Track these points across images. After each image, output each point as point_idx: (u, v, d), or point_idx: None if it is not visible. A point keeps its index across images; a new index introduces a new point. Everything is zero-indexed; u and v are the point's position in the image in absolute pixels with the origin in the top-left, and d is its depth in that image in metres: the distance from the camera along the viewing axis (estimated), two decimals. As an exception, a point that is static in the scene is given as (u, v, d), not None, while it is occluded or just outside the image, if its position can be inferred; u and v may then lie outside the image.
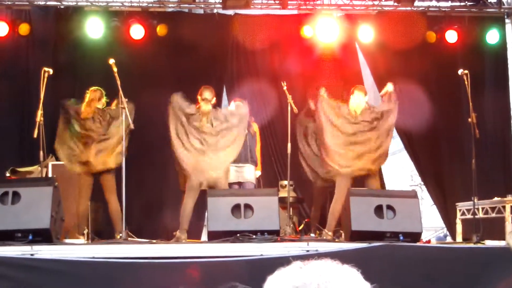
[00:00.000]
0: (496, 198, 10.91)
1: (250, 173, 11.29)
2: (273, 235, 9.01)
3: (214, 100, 10.42)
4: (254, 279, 7.87)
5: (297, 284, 1.73)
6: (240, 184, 11.26)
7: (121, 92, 9.75)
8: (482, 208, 10.80)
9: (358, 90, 10.61)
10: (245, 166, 11.24)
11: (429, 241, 10.90)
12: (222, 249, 8.58)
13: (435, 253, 8.91)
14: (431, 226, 19.47)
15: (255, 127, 11.42)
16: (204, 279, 7.91)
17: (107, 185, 10.38)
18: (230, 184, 11.19)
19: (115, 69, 9.78)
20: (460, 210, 11.47)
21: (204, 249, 8.73)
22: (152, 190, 13.11)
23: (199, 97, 10.32)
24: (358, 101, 10.48)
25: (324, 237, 10.19)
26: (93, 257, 8.16)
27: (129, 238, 9.53)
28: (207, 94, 10.31)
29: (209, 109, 10.22)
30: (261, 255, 8.30)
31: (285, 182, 11.70)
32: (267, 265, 7.98)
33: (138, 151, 11.71)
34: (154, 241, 9.88)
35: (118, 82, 9.75)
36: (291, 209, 11.22)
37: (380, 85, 14.00)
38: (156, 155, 12.86)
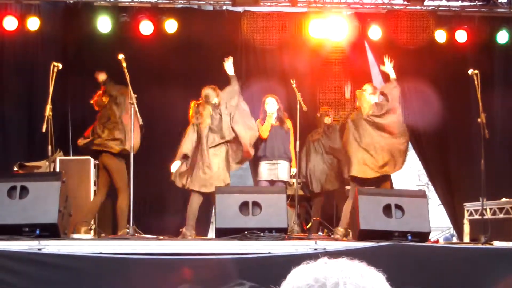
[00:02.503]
0: (504, 199, 10.89)
1: (284, 171, 11.20)
2: (281, 233, 8.99)
3: (216, 100, 10.48)
4: (261, 277, 7.87)
5: (318, 276, 1.76)
6: (272, 182, 11.19)
7: (130, 87, 9.75)
8: (490, 209, 10.77)
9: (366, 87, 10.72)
10: (279, 163, 11.14)
11: (437, 241, 10.87)
12: (230, 246, 8.56)
13: (443, 253, 8.89)
14: (438, 226, 19.46)
15: (289, 124, 11.38)
16: (211, 276, 7.90)
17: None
18: (261, 181, 11.16)
19: (124, 65, 9.78)
20: (468, 210, 11.45)
21: (211, 246, 8.72)
22: (159, 186, 13.09)
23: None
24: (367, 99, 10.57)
25: (336, 234, 10.22)
26: (100, 253, 8.16)
27: (136, 234, 9.52)
28: (210, 92, 10.49)
29: (209, 112, 10.37)
30: (269, 253, 8.28)
31: (294, 180, 11.68)
32: (275, 263, 7.98)
33: (145, 147, 11.70)
34: (161, 237, 9.88)
35: (127, 78, 9.74)
36: (298, 207, 11.21)
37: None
38: (164, 151, 12.82)
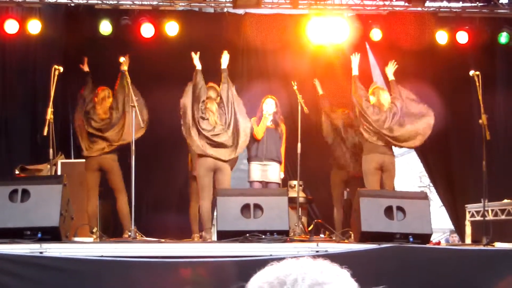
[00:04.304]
0: (506, 200, 10.88)
1: (275, 172, 11.20)
2: (283, 235, 8.99)
3: (219, 99, 10.54)
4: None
5: (278, 275, 1.81)
6: (264, 183, 11.18)
7: (131, 90, 9.76)
8: (492, 210, 10.76)
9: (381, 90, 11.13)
10: (270, 164, 11.14)
11: (438, 243, 10.87)
12: (231, 249, 8.57)
13: (445, 255, 8.88)
14: (439, 227, 19.46)
15: (283, 128, 11.38)
16: (212, 279, 7.89)
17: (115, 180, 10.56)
18: (253, 182, 11.16)
19: (125, 68, 9.78)
20: (469, 212, 11.43)
21: (213, 249, 8.72)
22: (160, 188, 13.10)
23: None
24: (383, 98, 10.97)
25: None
26: (102, 256, 8.16)
27: (137, 237, 9.52)
28: (212, 92, 10.50)
29: (215, 108, 10.38)
30: (271, 255, 8.28)
31: (295, 182, 11.68)
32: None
33: (147, 149, 11.72)
34: (163, 240, 9.87)
35: (129, 81, 9.75)
36: (300, 209, 11.21)
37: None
38: (165, 154, 12.86)
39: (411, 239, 8.97)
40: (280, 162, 11.28)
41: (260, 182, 11.14)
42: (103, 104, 10.70)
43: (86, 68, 11.00)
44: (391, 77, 11.27)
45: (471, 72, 10.42)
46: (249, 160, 11.31)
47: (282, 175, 11.47)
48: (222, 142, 10.30)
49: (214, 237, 10.85)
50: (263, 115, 11.16)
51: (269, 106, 11.25)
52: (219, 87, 10.65)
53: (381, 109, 10.91)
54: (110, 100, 10.78)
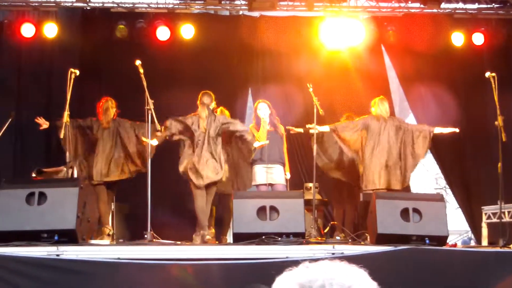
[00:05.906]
0: (522, 202, 10.83)
1: (280, 174, 11.23)
2: (299, 237, 8.99)
3: (213, 105, 10.59)
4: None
5: (302, 282, 1.79)
6: (270, 185, 11.19)
7: (147, 93, 9.79)
8: (508, 212, 10.72)
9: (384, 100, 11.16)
10: (274, 167, 11.17)
11: (455, 245, 10.83)
12: (247, 251, 8.56)
13: (461, 257, 8.84)
14: (456, 229, 19.37)
15: (282, 129, 11.41)
16: (228, 281, 7.90)
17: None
18: (260, 185, 11.17)
19: (141, 71, 9.82)
20: (485, 213, 11.39)
21: (229, 251, 8.72)
22: (175, 191, 13.10)
23: (198, 102, 10.58)
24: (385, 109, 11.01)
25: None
26: (119, 258, 8.18)
27: (154, 240, 9.54)
28: (205, 99, 10.55)
29: (207, 114, 10.43)
30: (287, 257, 8.27)
31: (310, 185, 11.66)
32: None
33: (161, 152, 11.72)
34: (179, 242, 9.89)
35: (145, 84, 9.78)
36: (316, 211, 11.20)
37: (406, 87, 13.98)
38: (179, 155, 12.85)
39: (427, 241, 8.95)
40: (283, 164, 11.32)
41: (266, 185, 11.16)
42: (106, 114, 10.87)
43: (44, 125, 10.77)
44: None
45: (487, 74, 10.38)
46: (253, 163, 11.30)
47: (289, 176, 11.51)
48: (208, 163, 10.48)
49: (230, 239, 10.89)
50: (262, 119, 11.18)
51: (263, 110, 11.28)
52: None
53: (379, 118, 11.01)
54: (114, 111, 10.92)
